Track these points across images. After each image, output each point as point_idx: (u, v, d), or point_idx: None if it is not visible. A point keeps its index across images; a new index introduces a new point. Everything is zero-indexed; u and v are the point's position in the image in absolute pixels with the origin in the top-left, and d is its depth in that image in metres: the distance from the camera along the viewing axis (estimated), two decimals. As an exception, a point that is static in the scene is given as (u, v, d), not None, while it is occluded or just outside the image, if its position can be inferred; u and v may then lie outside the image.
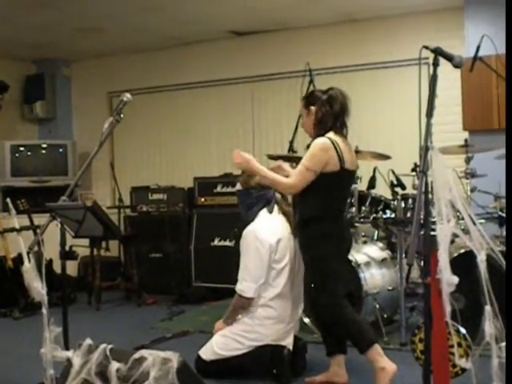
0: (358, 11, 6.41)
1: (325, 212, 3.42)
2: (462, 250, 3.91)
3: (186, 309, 5.76)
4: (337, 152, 3.37)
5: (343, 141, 3.46)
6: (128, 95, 3.22)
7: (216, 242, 6.32)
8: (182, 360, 2.59)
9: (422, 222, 2.33)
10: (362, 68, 6.67)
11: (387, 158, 4.93)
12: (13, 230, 5.24)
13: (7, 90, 7.04)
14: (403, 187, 4.93)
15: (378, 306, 4.37)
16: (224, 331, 3.76)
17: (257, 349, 3.65)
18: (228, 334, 3.73)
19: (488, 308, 2.26)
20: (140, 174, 7.71)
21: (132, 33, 6.98)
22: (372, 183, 4.96)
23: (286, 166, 3.70)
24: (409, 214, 4.48)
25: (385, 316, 4.51)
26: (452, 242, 3.63)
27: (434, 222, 2.32)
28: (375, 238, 5.09)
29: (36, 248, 3.05)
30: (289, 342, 3.69)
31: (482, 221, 4.25)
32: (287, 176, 3.51)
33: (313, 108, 3.53)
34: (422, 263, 2.37)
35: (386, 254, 4.76)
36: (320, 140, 3.41)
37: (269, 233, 3.65)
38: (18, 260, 5.05)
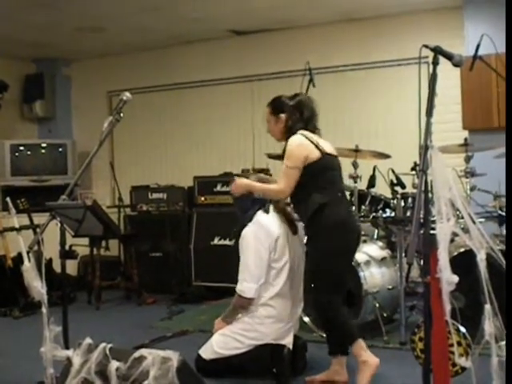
0: (358, 10, 6.42)
1: (326, 197, 3.42)
2: (462, 249, 3.92)
3: (185, 308, 5.76)
4: (312, 142, 3.45)
5: (315, 134, 3.54)
6: (128, 94, 3.22)
7: (216, 241, 6.31)
8: (182, 359, 2.60)
9: (421, 220, 2.33)
10: (362, 67, 6.67)
11: (387, 156, 4.93)
12: (12, 229, 5.22)
13: (7, 89, 7.02)
14: (403, 186, 4.93)
15: (377, 304, 4.37)
16: (224, 330, 3.76)
17: (257, 348, 3.65)
18: (228, 333, 3.73)
19: (488, 307, 2.26)
20: (140, 173, 7.70)
21: (132, 32, 6.98)
22: (372, 182, 4.97)
23: (245, 180, 3.73)
24: (408, 213, 4.49)
25: (384, 315, 4.50)
26: (452, 240, 3.61)
27: (433, 221, 2.32)
28: (375, 236, 5.09)
29: (36, 247, 3.05)
30: (289, 341, 3.69)
31: (482, 220, 4.24)
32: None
33: (283, 116, 3.59)
34: (422, 262, 2.37)
35: (385, 252, 4.76)
36: (293, 138, 3.49)
37: (267, 232, 3.65)
38: (18, 259, 5.03)
